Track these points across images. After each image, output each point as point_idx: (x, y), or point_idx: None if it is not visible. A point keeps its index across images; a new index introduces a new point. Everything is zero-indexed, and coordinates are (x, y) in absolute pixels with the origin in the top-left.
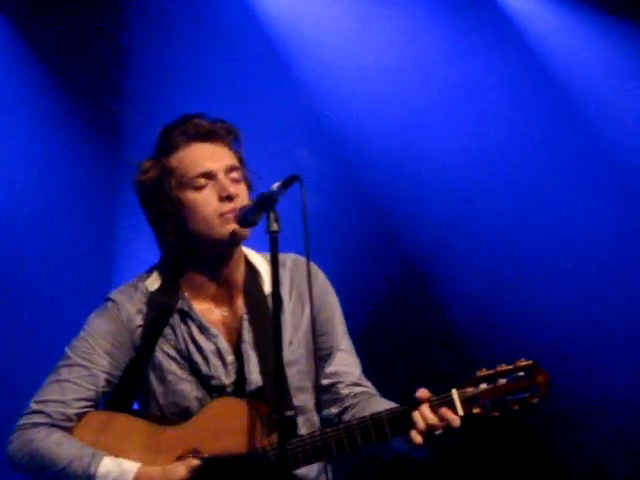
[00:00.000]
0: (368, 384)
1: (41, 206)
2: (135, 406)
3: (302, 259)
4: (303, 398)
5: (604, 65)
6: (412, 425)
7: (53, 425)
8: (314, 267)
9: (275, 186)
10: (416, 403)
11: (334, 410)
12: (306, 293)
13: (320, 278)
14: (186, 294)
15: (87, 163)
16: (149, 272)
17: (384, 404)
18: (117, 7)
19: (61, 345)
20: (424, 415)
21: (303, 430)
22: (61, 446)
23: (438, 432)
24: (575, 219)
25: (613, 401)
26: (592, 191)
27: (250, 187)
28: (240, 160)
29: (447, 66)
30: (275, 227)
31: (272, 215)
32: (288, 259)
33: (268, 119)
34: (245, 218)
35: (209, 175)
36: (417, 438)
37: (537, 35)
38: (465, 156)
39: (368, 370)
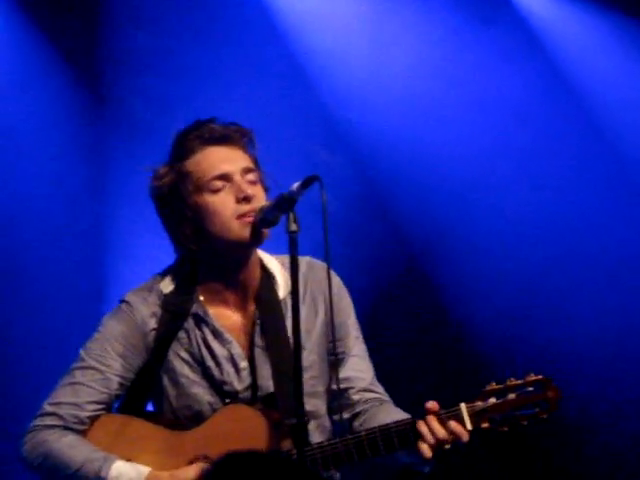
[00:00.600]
0: (380, 390)
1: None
2: (149, 408)
3: (317, 263)
4: (315, 403)
5: (623, 69)
6: (420, 438)
7: (66, 427)
8: (329, 270)
9: (295, 186)
10: (424, 415)
11: (345, 415)
12: (320, 297)
13: (335, 282)
14: (201, 298)
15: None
16: (163, 274)
17: (394, 412)
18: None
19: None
20: (433, 428)
21: (315, 435)
22: (74, 449)
23: (447, 446)
24: (596, 225)
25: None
26: (611, 198)
27: (266, 189)
28: (255, 162)
29: (463, 68)
30: (294, 227)
31: (291, 215)
32: (303, 262)
33: (284, 120)
34: (264, 218)
35: (225, 177)
36: (426, 452)
37: (555, 39)
38: (482, 159)
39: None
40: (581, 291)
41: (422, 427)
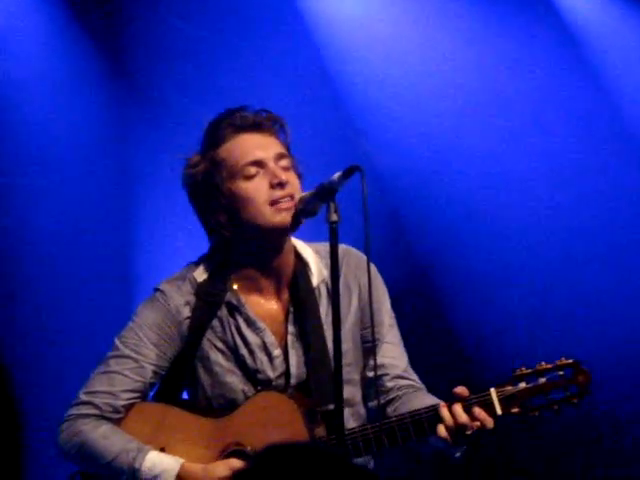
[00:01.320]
0: (414, 377)
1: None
2: (184, 396)
3: (352, 250)
4: (350, 391)
5: None
6: (441, 421)
7: (101, 417)
8: (364, 258)
9: (336, 176)
10: (454, 401)
11: (379, 402)
12: (354, 285)
13: (371, 270)
14: (234, 286)
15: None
16: (197, 263)
17: (428, 399)
18: None
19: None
20: (455, 413)
21: (351, 422)
22: (108, 439)
23: (468, 432)
24: (607, 229)
25: None
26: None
27: (299, 175)
28: (287, 149)
29: (480, 70)
30: (335, 217)
31: (332, 205)
32: (339, 250)
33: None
34: (304, 208)
35: (259, 163)
36: (444, 434)
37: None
38: (500, 164)
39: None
40: (591, 295)
41: (444, 411)
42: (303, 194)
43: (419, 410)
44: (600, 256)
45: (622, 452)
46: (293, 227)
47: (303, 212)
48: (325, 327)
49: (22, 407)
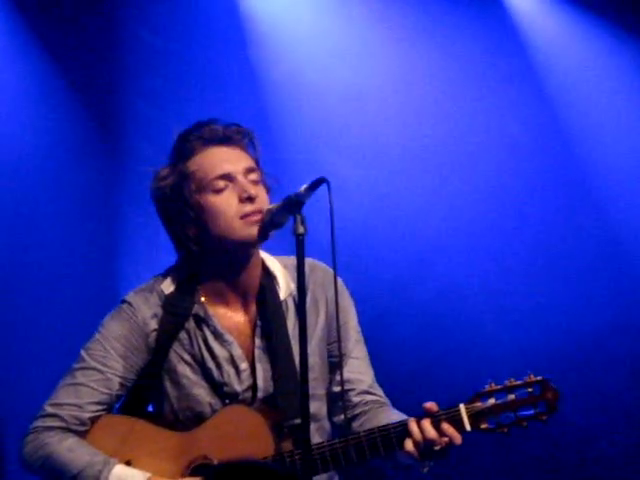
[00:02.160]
0: (380, 393)
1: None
2: (150, 409)
3: (319, 264)
4: (315, 406)
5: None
6: (409, 436)
7: (67, 429)
8: (331, 272)
9: (302, 188)
10: (422, 416)
11: (344, 417)
12: (321, 299)
13: (338, 284)
14: (202, 299)
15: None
16: (164, 275)
17: (394, 415)
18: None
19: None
20: (423, 427)
21: (315, 437)
22: (74, 452)
23: (437, 447)
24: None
25: None
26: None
27: (268, 189)
28: (257, 162)
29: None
30: (301, 230)
31: (299, 217)
32: (305, 264)
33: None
34: (272, 220)
35: (228, 177)
36: (411, 450)
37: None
38: (474, 164)
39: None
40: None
41: (412, 426)
42: (270, 206)
43: (387, 425)
44: (558, 269)
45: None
46: (261, 240)
47: (270, 224)
48: (292, 341)
49: None
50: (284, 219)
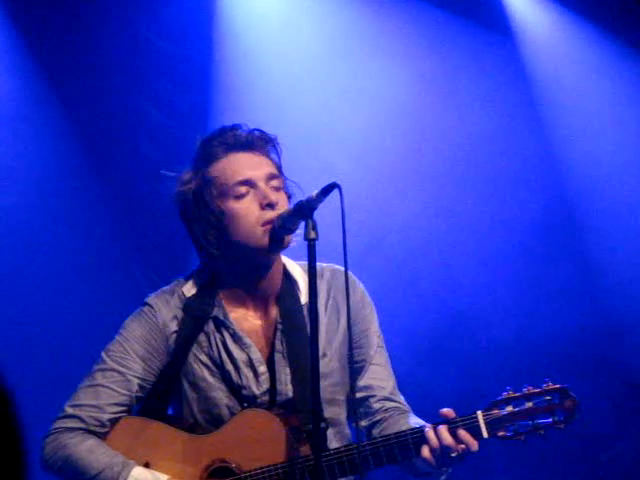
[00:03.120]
0: (401, 399)
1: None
2: (170, 411)
3: (341, 270)
4: (334, 411)
5: None
6: (425, 443)
7: (87, 430)
8: (353, 278)
9: (314, 194)
10: (439, 423)
11: (365, 423)
12: (343, 305)
13: (359, 290)
14: (222, 302)
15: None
16: (187, 278)
17: (414, 421)
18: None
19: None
20: (440, 434)
21: (334, 443)
22: (93, 454)
23: (454, 454)
24: None
25: None
26: None
27: (289, 196)
28: (279, 169)
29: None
30: (313, 235)
31: (310, 223)
32: (326, 270)
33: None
34: (283, 225)
35: (250, 183)
36: (427, 456)
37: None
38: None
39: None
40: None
41: (429, 433)
42: (281, 212)
43: (405, 431)
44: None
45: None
46: (274, 246)
47: (282, 229)
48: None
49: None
50: (296, 224)
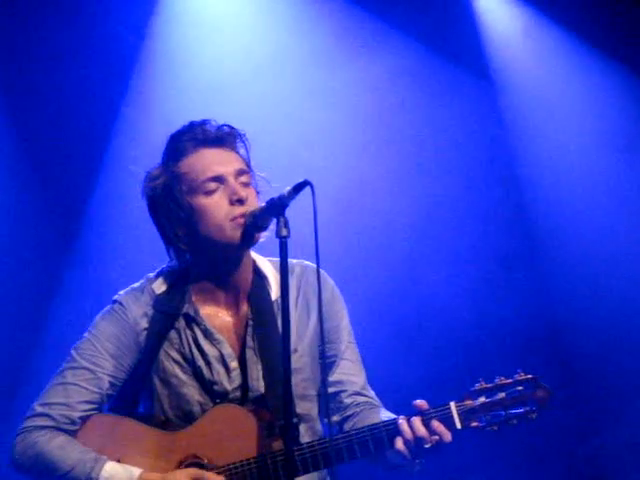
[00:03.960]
0: (372, 394)
1: None
2: (141, 409)
3: (311, 266)
4: (306, 406)
5: None
6: (399, 435)
7: (57, 428)
8: (323, 274)
9: (286, 191)
10: (413, 415)
11: (336, 418)
12: (313, 301)
13: (329, 286)
14: (193, 299)
15: None
16: (157, 275)
17: (385, 416)
18: None
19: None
20: (413, 426)
21: (306, 438)
22: (64, 450)
23: (427, 445)
24: None
25: None
26: None
27: (258, 192)
28: (248, 164)
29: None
30: (285, 232)
31: (282, 220)
32: (297, 266)
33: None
34: (254, 223)
35: (219, 179)
36: (401, 448)
37: None
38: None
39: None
40: None
41: (402, 424)
42: (253, 209)
43: (377, 424)
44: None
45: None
46: (245, 242)
47: (253, 226)
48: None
49: None
50: (267, 222)
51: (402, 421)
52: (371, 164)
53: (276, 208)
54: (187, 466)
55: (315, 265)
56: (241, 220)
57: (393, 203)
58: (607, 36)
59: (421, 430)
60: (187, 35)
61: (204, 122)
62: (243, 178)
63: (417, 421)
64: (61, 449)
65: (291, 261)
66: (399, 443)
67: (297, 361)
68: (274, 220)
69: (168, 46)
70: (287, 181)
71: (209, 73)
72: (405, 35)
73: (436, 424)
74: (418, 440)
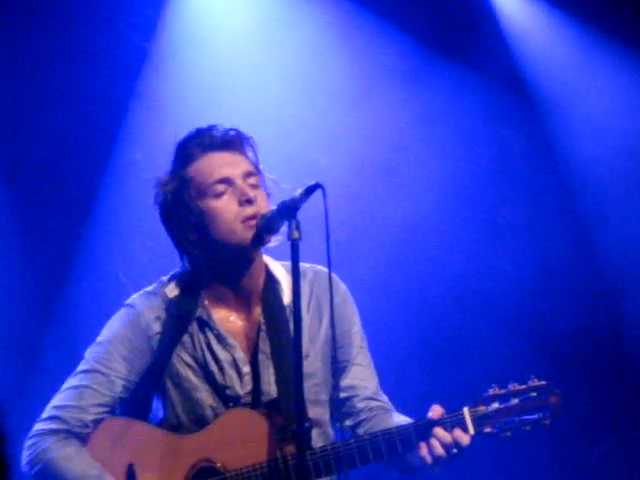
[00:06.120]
0: (384, 399)
1: None
2: (154, 413)
3: (323, 271)
4: (318, 411)
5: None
6: (424, 442)
7: (69, 431)
8: (335, 279)
9: (297, 193)
10: (429, 421)
11: (348, 423)
12: (325, 305)
13: (341, 291)
14: (205, 302)
15: None
16: (169, 279)
17: (399, 420)
18: None
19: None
20: (438, 435)
21: (318, 443)
22: (71, 462)
23: (454, 450)
24: None
25: None
26: None
27: (268, 194)
28: (256, 167)
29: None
30: (296, 235)
31: (293, 222)
32: (309, 270)
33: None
34: (266, 225)
35: (227, 181)
36: (427, 457)
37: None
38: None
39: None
40: None
41: (427, 434)
42: (264, 211)
43: (391, 429)
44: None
45: None
46: (256, 244)
47: (264, 228)
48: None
49: None
50: (279, 224)
51: (427, 429)
52: (382, 166)
53: (287, 210)
54: (200, 470)
55: (327, 270)
56: (252, 222)
57: (405, 205)
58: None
59: (446, 436)
60: (195, 36)
61: (211, 127)
62: (251, 180)
63: (439, 429)
64: (68, 460)
65: (304, 265)
66: (424, 452)
67: (309, 366)
68: (285, 223)
69: (175, 47)
70: (297, 184)
71: (216, 75)
72: (416, 35)
73: (456, 429)
74: (444, 447)
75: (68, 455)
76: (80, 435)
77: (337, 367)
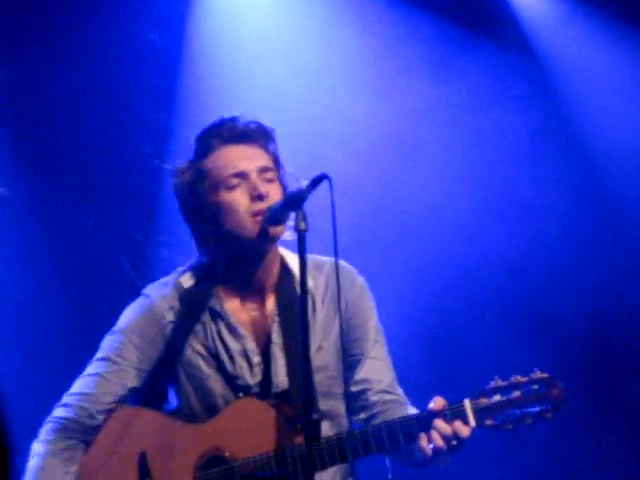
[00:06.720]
0: (399, 392)
1: None
2: (169, 403)
3: (342, 264)
4: (331, 403)
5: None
6: (425, 434)
7: (76, 422)
8: (353, 273)
9: (304, 185)
10: (430, 413)
11: (362, 416)
12: (341, 299)
13: (358, 284)
14: (219, 293)
15: None
16: (185, 269)
17: (411, 412)
18: None
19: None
20: (438, 427)
21: (331, 434)
22: (45, 471)
23: (454, 442)
24: None
25: None
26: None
27: (285, 188)
28: (275, 161)
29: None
30: (303, 226)
31: (300, 214)
32: (327, 263)
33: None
34: (272, 216)
35: (241, 175)
36: (427, 449)
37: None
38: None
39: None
40: None
41: (428, 426)
42: (271, 203)
43: (393, 420)
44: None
45: None
46: (265, 236)
47: (270, 220)
48: (309, 337)
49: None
50: (285, 215)
51: (428, 421)
52: (391, 157)
53: (294, 202)
54: (209, 458)
55: (347, 265)
56: (261, 217)
57: (413, 197)
58: None
59: (447, 429)
60: (217, 30)
61: (232, 119)
62: (267, 174)
63: (440, 421)
64: (42, 470)
65: (322, 258)
66: (423, 443)
67: (322, 358)
68: (292, 215)
69: (199, 43)
70: (307, 175)
71: (237, 68)
72: (433, 24)
73: (457, 422)
74: (444, 439)
75: (44, 466)
76: (84, 426)
77: (351, 360)
